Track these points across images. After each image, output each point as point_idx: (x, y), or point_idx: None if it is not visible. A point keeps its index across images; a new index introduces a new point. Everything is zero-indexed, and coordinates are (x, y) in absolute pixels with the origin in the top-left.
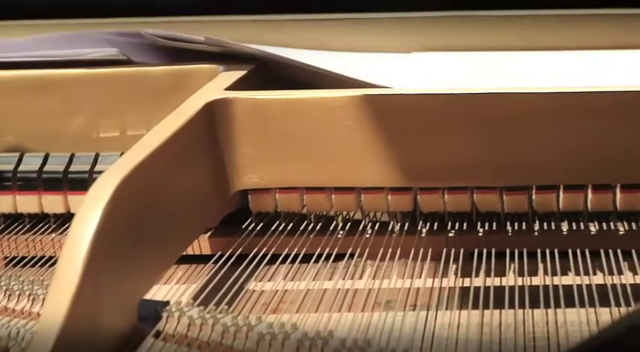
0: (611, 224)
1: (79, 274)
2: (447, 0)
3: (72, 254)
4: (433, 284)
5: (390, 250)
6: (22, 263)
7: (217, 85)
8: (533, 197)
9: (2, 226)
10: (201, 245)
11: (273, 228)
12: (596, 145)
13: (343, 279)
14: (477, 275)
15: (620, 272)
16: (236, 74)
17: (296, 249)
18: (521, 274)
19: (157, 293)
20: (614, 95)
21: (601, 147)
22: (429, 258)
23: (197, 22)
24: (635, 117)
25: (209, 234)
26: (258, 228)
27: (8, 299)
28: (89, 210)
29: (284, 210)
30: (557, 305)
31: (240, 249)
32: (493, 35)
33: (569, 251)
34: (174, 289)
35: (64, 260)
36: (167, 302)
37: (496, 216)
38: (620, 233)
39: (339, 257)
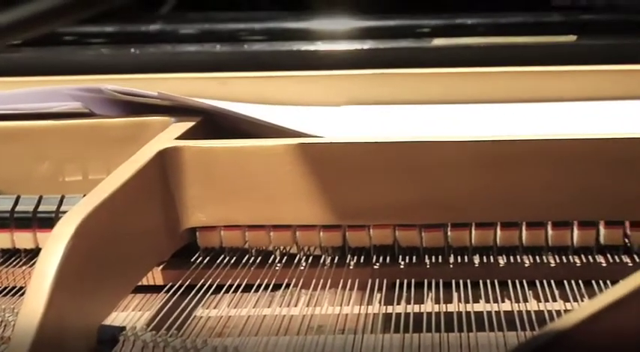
0: (518, 257)
1: (44, 302)
2: (372, 59)
3: (39, 284)
4: (360, 310)
5: (322, 280)
6: None
7: (169, 134)
8: (449, 233)
9: None
10: (155, 276)
11: (218, 261)
12: (504, 189)
13: (280, 307)
14: (398, 303)
15: (525, 300)
16: (185, 125)
17: (238, 280)
18: (437, 302)
19: (114, 319)
20: (522, 143)
21: (507, 190)
22: (356, 288)
23: (152, 79)
24: (532, 162)
25: (161, 266)
26: (205, 261)
27: None
28: (54, 246)
29: (228, 245)
30: (470, 330)
31: (189, 279)
32: (412, 90)
33: (480, 281)
34: (130, 315)
35: (32, 289)
36: (123, 328)
37: (416, 250)
38: (526, 265)
39: (277, 286)
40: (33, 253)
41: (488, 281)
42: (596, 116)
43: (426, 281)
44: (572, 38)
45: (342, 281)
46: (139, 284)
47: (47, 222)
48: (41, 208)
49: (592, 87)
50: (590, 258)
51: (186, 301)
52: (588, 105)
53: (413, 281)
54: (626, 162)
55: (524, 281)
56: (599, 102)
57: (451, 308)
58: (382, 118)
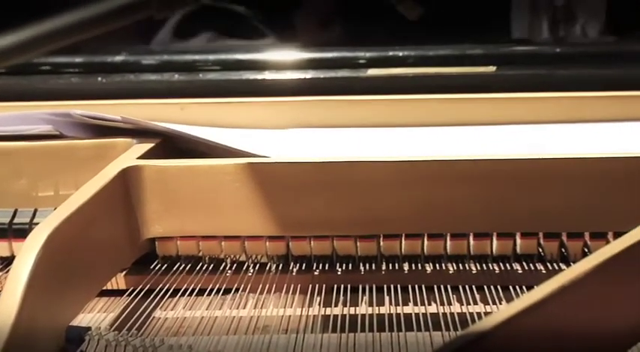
0: (443, 264)
1: (17, 304)
2: (314, 87)
3: (13, 288)
4: (301, 312)
5: (268, 285)
6: None
7: (131, 154)
8: (381, 243)
9: None
10: (118, 281)
11: (174, 268)
12: (428, 203)
13: (230, 309)
14: (336, 306)
15: (449, 303)
16: (146, 146)
17: (193, 285)
18: (371, 304)
19: (81, 320)
20: (441, 163)
21: (431, 204)
22: (298, 292)
23: (116, 105)
24: (453, 180)
25: (124, 272)
26: (163, 267)
27: None
28: (26, 254)
29: (183, 254)
30: (400, 330)
31: (149, 284)
32: (349, 115)
33: (409, 286)
34: (95, 317)
35: (6, 293)
36: (89, 328)
37: (352, 259)
38: (450, 272)
39: (227, 291)
40: (8, 260)
41: (416, 286)
42: (512, 139)
43: (360, 286)
44: (491, 69)
45: (285, 285)
46: (104, 288)
47: (22, 232)
48: (16, 220)
49: (509, 112)
50: (507, 265)
51: (145, 304)
52: (505, 129)
53: (349, 286)
54: (538, 179)
55: (449, 286)
56: (515, 126)
57: (383, 310)
58: (322, 140)
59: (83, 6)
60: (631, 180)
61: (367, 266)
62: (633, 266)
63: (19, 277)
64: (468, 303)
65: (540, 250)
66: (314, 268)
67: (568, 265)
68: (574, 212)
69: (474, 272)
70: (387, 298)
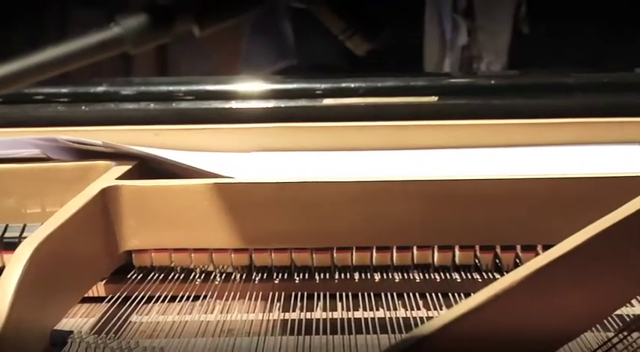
0: (390, 274)
1: (6, 310)
2: (275, 115)
3: (1, 296)
4: (263, 317)
5: (233, 293)
6: None
7: (110, 175)
8: (335, 255)
9: None
10: (98, 289)
11: (149, 277)
12: (376, 219)
13: (199, 314)
14: (293, 311)
15: (395, 309)
16: (124, 168)
17: (166, 292)
18: (325, 310)
19: (64, 324)
20: (386, 183)
21: (379, 220)
22: (260, 298)
23: (98, 131)
24: (397, 198)
25: (104, 281)
26: (138, 277)
27: None
28: (15, 265)
29: (157, 265)
30: (351, 333)
31: (126, 292)
32: (307, 140)
33: (359, 293)
34: (77, 321)
35: None
36: (71, 332)
37: (308, 269)
38: (396, 280)
39: (197, 297)
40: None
41: (365, 293)
42: (451, 161)
43: (315, 293)
44: (433, 99)
45: (249, 293)
46: (85, 295)
47: (12, 245)
48: (7, 234)
49: (449, 138)
50: (447, 274)
51: (123, 309)
52: (445, 153)
53: (305, 293)
54: (474, 197)
55: (395, 294)
56: (454, 150)
57: (336, 315)
58: (282, 162)
59: (65, 42)
60: (555, 198)
61: (322, 275)
62: (560, 277)
63: (7, 285)
64: (412, 309)
65: (476, 261)
66: (274, 277)
67: (501, 274)
68: (506, 227)
69: (417, 280)
70: (339, 304)
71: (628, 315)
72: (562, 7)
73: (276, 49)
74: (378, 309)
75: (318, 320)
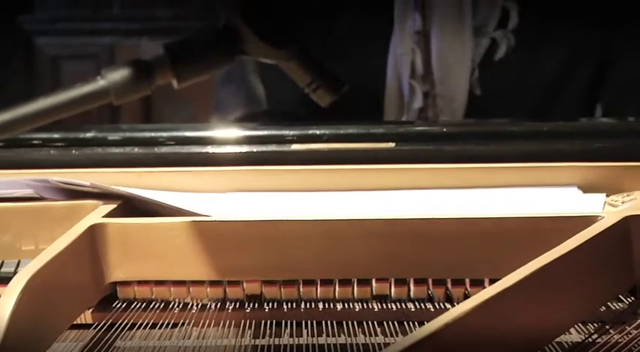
0: (351, 304)
1: (1, 336)
2: (249, 159)
3: None
4: (235, 342)
5: (208, 320)
6: None
7: (97, 214)
8: (301, 288)
9: None
10: (85, 317)
11: (132, 306)
12: (338, 255)
13: (177, 339)
14: (264, 337)
15: (355, 335)
16: (110, 207)
17: (147, 320)
18: (292, 336)
19: (55, 349)
20: (347, 222)
21: (341, 255)
22: (233, 326)
23: (86, 173)
24: (357, 235)
25: (91, 310)
26: (122, 306)
27: None
28: (9, 297)
29: (139, 296)
30: None
31: (111, 319)
32: (277, 182)
33: (323, 321)
34: (67, 346)
35: None
36: None
37: (277, 300)
38: (357, 310)
39: (175, 325)
40: None
41: (329, 321)
42: (407, 202)
43: (283, 321)
44: (391, 145)
45: (222, 321)
46: (74, 322)
47: (7, 279)
48: (2, 269)
49: (405, 181)
50: (403, 305)
51: (108, 335)
52: (402, 194)
53: (274, 321)
54: (428, 236)
55: (355, 322)
56: (410, 192)
57: (302, 340)
58: (255, 202)
59: (54, 94)
60: (500, 236)
61: (289, 305)
62: (503, 308)
63: (2, 314)
64: (371, 335)
65: (429, 292)
66: (246, 306)
67: (452, 305)
68: (456, 262)
69: (375, 310)
70: (305, 331)
71: (566, 342)
72: (509, 77)
73: (245, 98)
74: (340, 335)
75: (285, 345)
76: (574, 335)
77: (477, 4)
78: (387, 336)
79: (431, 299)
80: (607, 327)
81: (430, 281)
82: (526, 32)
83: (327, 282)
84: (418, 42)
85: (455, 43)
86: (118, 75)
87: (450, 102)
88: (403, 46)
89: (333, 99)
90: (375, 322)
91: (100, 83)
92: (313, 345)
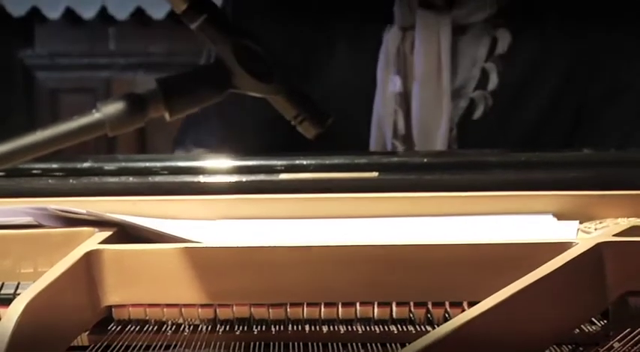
0: (336, 326)
1: None
2: (238, 188)
3: None
4: None
5: (200, 342)
6: None
7: (94, 240)
8: (288, 310)
9: None
10: (82, 339)
11: (127, 328)
12: (320, 280)
13: None
14: None
15: None
16: (106, 234)
17: (142, 342)
18: None
19: None
20: (328, 248)
21: (323, 281)
22: (223, 347)
23: (83, 201)
24: (338, 260)
25: (87, 332)
26: (118, 328)
27: None
28: (9, 319)
29: (134, 318)
30: None
31: (107, 341)
32: (266, 210)
33: (309, 343)
34: None
35: None
36: None
37: (265, 321)
38: (341, 332)
39: (168, 347)
40: None
41: (315, 343)
42: (390, 229)
43: (272, 342)
44: (374, 174)
45: (213, 342)
46: (71, 345)
47: (7, 301)
48: (3, 292)
49: (388, 209)
50: (386, 327)
51: None
52: (385, 221)
53: (263, 342)
54: (409, 261)
55: (340, 344)
56: (393, 219)
57: None
58: (244, 229)
59: (52, 126)
60: (479, 261)
61: (277, 327)
62: (484, 329)
63: (2, 337)
64: None
65: (411, 315)
66: (236, 329)
67: (433, 327)
68: (436, 286)
69: (359, 332)
70: None
71: None
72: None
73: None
74: None
75: None
76: None
77: (456, 67)
78: None
79: (412, 322)
80: (581, 349)
81: (411, 303)
82: (504, 92)
83: (312, 304)
84: (400, 103)
85: (433, 105)
86: (112, 108)
87: None
88: (386, 107)
89: (318, 131)
90: (359, 344)
91: (96, 116)
92: None
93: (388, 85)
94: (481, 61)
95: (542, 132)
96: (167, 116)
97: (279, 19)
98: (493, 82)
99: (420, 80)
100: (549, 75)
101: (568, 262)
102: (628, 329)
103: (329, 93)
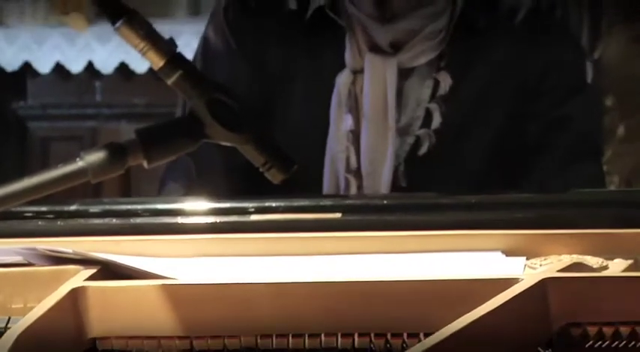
0: None
1: None
2: (213, 228)
3: None
4: None
5: None
6: None
7: (79, 278)
8: (258, 340)
9: None
10: None
11: None
12: (291, 312)
13: None
14: None
15: None
16: (90, 271)
17: None
18: None
19: None
20: (297, 285)
21: (294, 312)
22: None
23: (69, 242)
24: (304, 296)
25: None
26: None
27: None
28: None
29: (117, 348)
30: None
31: None
32: (239, 248)
33: None
34: None
35: None
36: None
37: (238, 351)
38: None
39: None
40: None
41: None
42: (351, 266)
43: None
44: (338, 215)
45: None
46: None
47: None
48: None
49: (350, 247)
50: None
51: None
52: (347, 258)
53: None
54: (371, 295)
55: None
56: (354, 256)
57: None
58: (218, 266)
59: (40, 174)
60: (433, 295)
61: None
62: None
63: None
64: None
65: (372, 345)
66: None
67: None
68: (394, 318)
69: None
70: None
71: None
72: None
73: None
74: None
75: None
76: None
77: (402, 107)
78: None
79: (373, 351)
80: None
81: (372, 334)
82: (447, 131)
83: (281, 335)
84: (352, 140)
85: (380, 141)
86: (94, 157)
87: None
88: (339, 144)
89: (284, 177)
90: None
91: (79, 164)
92: None
93: (341, 123)
94: (425, 102)
95: (486, 167)
96: (145, 164)
97: (243, 63)
98: (437, 121)
99: (368, 118)
100: (489, 114)
101: (515, 296)
102: None
103: (287, 132)
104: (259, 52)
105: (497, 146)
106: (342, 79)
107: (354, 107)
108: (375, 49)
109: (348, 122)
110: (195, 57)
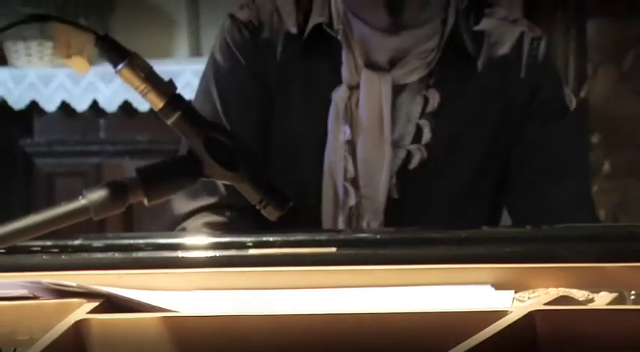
0: None
1: None
2: (212, 262)
3: None
4: None
5: None
6: None
7: (82, 310)
8: None
9: None
10: None
11: None
12: (289, 344)
13: None
14: None
15: None
16: (93, 304)
17: None
18: None
19: None
20: (292, 317)
21: (290, 344)
22: None
23: (73, 275)
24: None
25: None
26: None
27: None
28: None
29: None
30: None
31: None
32: (238, 282)
33: None
34: None
35: None
36: None
37: None
38: None
39: None
40: None
41: None
42: (345, 299)
43: None
44: (332, 249)
45: None
46: None
47: None
48: None
49: (345, 280)
50: None
51: None
52: (341, 292)
53: None
54: (362, 328)
55: None
56: (348, 289)
57: None
58: (218, 299)
59: (44, 211)
60: (425, 328)
61: None
62: None
63: None
64: None
65: None
66: None
67: None
68: (387, 349)
69: None
70: None
71: None
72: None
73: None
74: None
75: None
76: None
77: (394, 122)
78: None
79: None
80: None
81: None
82: (436, 146)
83: None
84: (349, 151)
85: (376, 152)
86: (96, 195)
87: (372, 202)
88: (337, 154)
89: (280, 214)
90: None
91: (82, 202)
92: None
93: (339, 134)
94: (415, 118)
95: (473, 182)
96: (146, 202)
97: (250, 78)
98: (426, 136)
99: (364, 131)
100: (475, 131)
101: (504, 328)
102: None
103: (287, 145)
104: (262, 68)
105: (484, 162)
106: (339, 94)
107: (351, 120)
108: (370, 65)
109: (346, 133)
110: (203, 76)
